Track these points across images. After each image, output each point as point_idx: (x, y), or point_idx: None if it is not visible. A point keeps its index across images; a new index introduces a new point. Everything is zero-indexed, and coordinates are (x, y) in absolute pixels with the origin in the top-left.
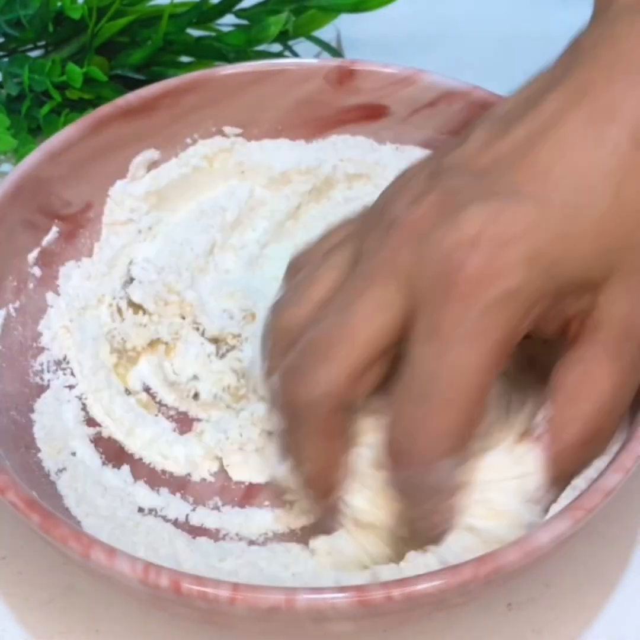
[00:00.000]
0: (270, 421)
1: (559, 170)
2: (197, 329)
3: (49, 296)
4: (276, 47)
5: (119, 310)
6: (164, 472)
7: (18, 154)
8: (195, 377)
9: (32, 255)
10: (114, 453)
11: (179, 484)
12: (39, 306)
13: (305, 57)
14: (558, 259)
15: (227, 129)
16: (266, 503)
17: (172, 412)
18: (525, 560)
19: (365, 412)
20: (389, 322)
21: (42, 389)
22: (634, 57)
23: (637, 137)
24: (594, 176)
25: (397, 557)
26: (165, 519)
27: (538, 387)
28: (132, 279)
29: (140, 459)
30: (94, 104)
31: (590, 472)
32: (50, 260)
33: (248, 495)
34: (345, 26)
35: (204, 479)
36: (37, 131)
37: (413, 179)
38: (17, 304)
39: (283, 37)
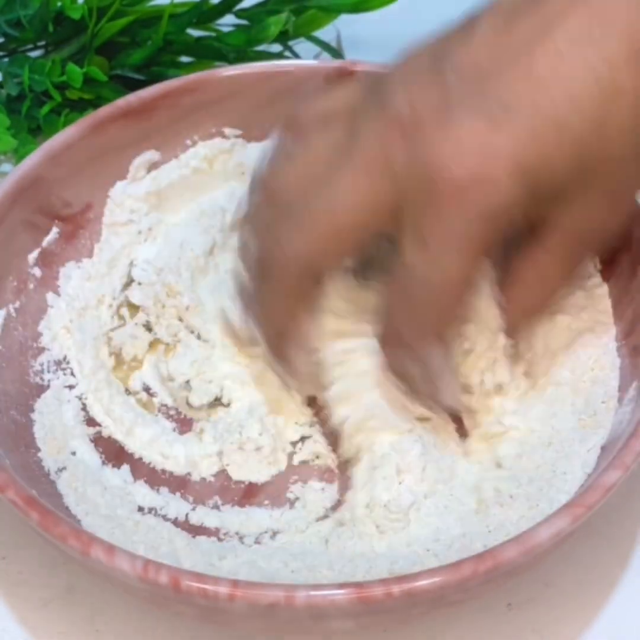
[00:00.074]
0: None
1: (553, 80)
2: (193, 332)
3: (49, 296)
4: (276, 47)
5: (120, 315)
6: (163, 471)
7: (18, 154)
8: (188, 384)
9: (32, 256)
10: (113, 452)
11: (178, 484)
12: (39, 306)
13: (305, 57)
14: (540, 170)
15: (227, 130)
16: (266, 502)
17: (172, 412)
18: (525, 557)
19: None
20: (372, 208)
21: (42, 389)
22: None
23: (632, 50)
24: (585, 89)
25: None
26: (165, 518)
27: None
28: (132, 281)
29: (140, 459)
30: (94, 104)
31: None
32: (50, 261)
33: (248, 494)
34: (345, 26)
35: (203, 479)
36: (37, 131)
37: (416, 65)
38: (17, 304)
39: (283, 37)
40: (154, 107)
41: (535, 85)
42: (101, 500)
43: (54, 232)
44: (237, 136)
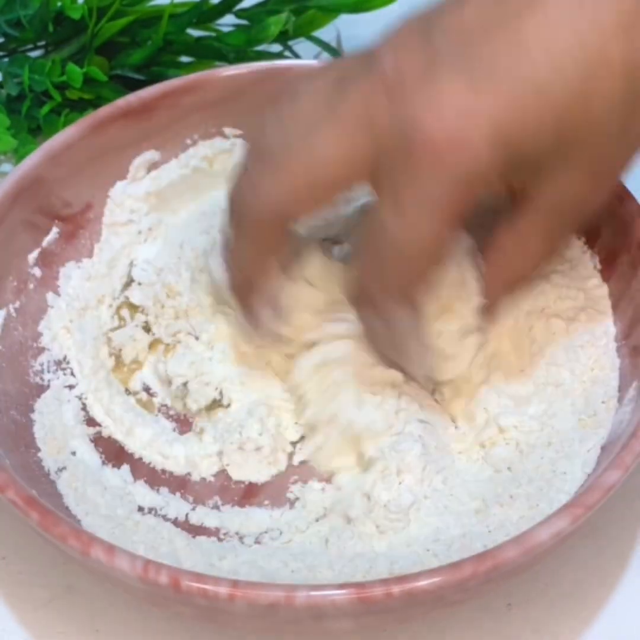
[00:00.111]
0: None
1: (539, 47)
2: (191, 333)
3: (49, 296)
4: (276, 47)
5: (120, 315)
6: (163, 471)
7: (18, 154)
8: (185, 387)
9: (33, 256)
10: (113, 452)
11: (178, 484)
12: (39, 306)
13: (305, 57)
14: (520, 137)
15: (227, 130)
16: (266, 502)
17: (172, 412)
18: (525, 557)
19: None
20: (350, 162)
21: (42, 388)
22: None
23: (623, 21)
24: (569, 58)
25: None
26: (165, 518)
27: None
28: (132, 281)
29: (140, 459)
30: (94, 104)
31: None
32: (50, 261)
33: (248, 494)
34: (345, 26)
35: (203, 479)
36: (37, 131)
37: (407, 30)
38: (17, 304)
39: (283, 37)
40: (154, 107)
41: (519, 49)
42: (101, 500)
43: (54, 232)
44: (237, 136)
